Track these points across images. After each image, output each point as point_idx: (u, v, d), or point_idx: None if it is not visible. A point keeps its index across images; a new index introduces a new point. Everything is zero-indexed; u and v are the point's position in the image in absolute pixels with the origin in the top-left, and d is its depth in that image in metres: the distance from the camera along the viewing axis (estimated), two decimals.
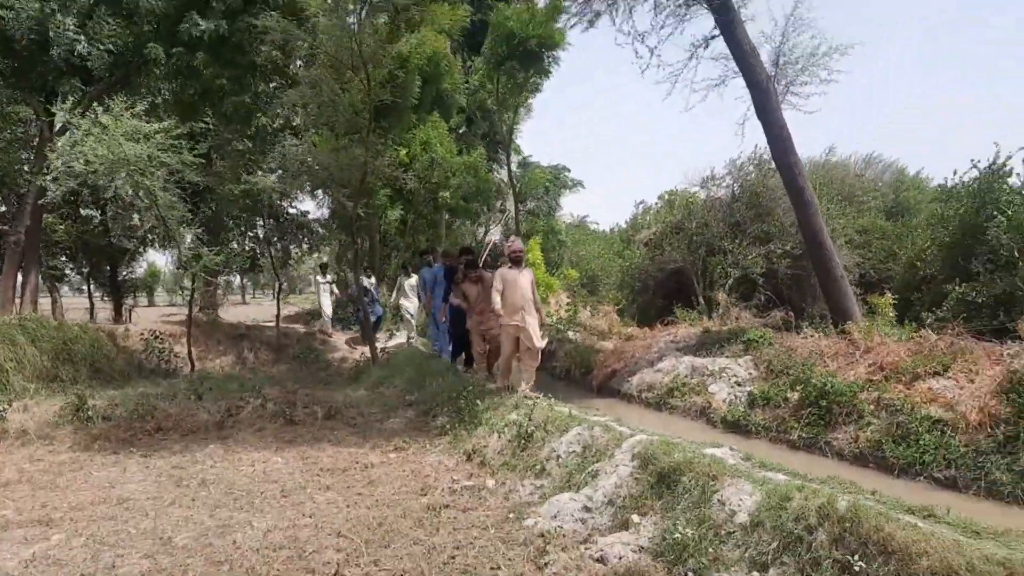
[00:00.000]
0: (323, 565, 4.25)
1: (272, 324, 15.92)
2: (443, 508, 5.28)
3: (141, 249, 21.08)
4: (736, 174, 15.05)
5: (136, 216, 15.94)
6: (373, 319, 15.44)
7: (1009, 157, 10.66)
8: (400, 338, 14.67)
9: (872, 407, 5.73)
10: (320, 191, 18.64)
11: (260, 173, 14.78)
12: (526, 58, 14.95)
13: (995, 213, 9.87)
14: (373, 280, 16.28)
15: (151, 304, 41.38)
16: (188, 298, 13.10)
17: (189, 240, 11.96)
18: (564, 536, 4.56)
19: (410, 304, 14.03)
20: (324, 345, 15.01)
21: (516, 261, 8.03)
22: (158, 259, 41.57)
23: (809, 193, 8.28)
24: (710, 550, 3.87)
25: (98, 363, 11.40)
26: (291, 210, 18.15)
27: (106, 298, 20.96)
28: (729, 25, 7.94)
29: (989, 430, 4.87)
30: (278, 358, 13.90)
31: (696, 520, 4.11)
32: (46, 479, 6.33)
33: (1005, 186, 10.58)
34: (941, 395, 5.47)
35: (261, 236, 18.90)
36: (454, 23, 18.03)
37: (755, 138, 13.79)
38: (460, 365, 10.35)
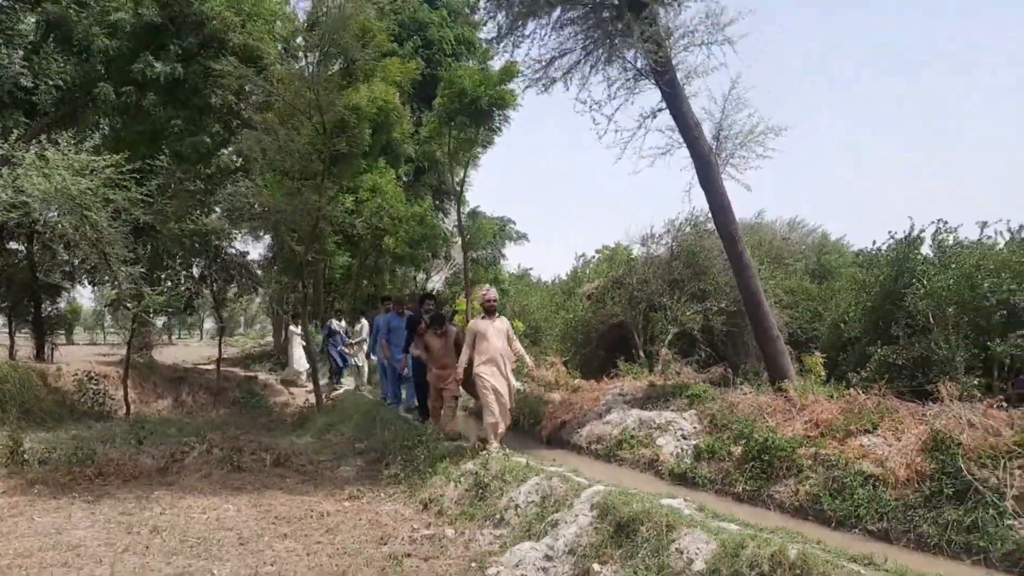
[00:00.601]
0: None
1: (210, 367, 15.57)
2: (405, 557, 5.37)
3: (68, 285, 20.35)
4: (674, 233, 15.75)
5: (64, 251, 15.50)
6: (341, 363, 15.27)
7: (922, 230, 11.62)
8: (347, 385, 14.55)
9: (810, 462, 6.13)
10: (264, 233, 18.56)
11: (216, 215, 14.73)
12: (477, 115, 15.38)
13: (911, 281, 10.69)
14: (343, 324, 15.79)
15: (69, 342, 39.57)
16: (127, 338, 12.74)
17: (124, 277, 11.67)
18: None
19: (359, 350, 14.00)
20: (265, 390, 14.77)
21: (490, 311, 7.82)
22: (79, 296, 39.92)
23: (747, 258, 8.85)
24: None
25: (28, 403, 11.00)
26: (230, 250, 17.96)
27: (25, 334, 20.01)
28: (675, 100, 8.54)
29: (916, 485, 5.31)
30: (218, 402, 13.61)
31: (656, 568, 4.35)
32: None
33: (919, 256, 11.50)
34: (872, 451, 5.91)
35: (197, 276, 18.58)
36: (405, 76, 18.55)
37: (700, 204, 14.57)
38: (406, 412, 10.36)
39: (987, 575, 4.08)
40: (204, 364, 17.28)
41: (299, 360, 15.78)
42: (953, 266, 10.20)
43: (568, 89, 8.97)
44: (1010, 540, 4.52)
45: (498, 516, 5.99)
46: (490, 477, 6.53)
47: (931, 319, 9.71)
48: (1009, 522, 4.65)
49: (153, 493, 7.24)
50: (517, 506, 5.94)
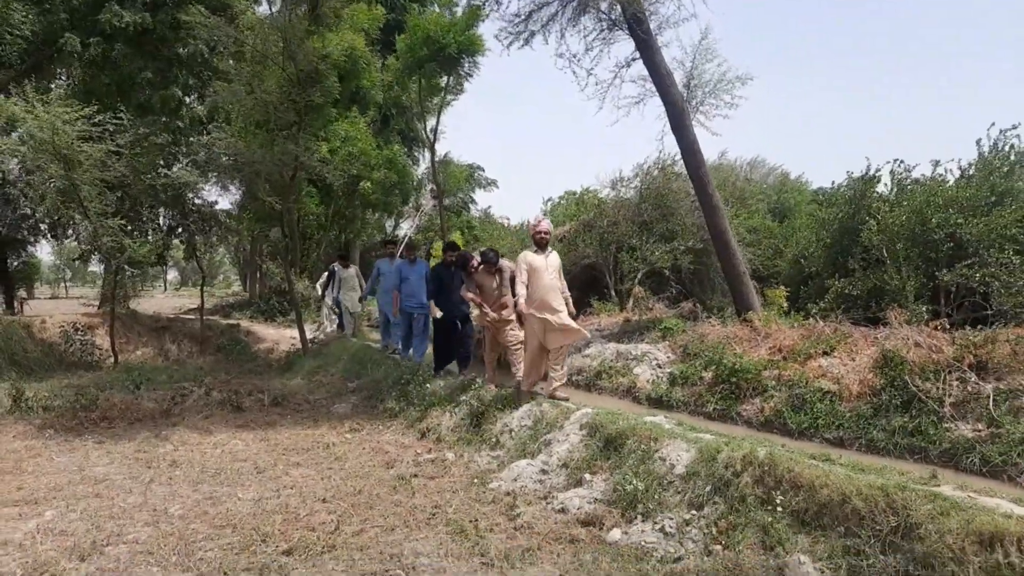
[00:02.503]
0: (320, 524, 4.77)
1: (191, 316, 15.77)
2: (412, 477, 5.88)
3: (32, 239, 20.12)
4: (643, 177, 16.25)
5: (28, 206, 15.34)
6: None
7: (878, 169, 12.27)
8: (329, 331, 14.81)
9: (774, 382, 6.79)
10: (236, 184, 18.50)
11: (179, 166, 14.64)
12: (446, 62, 15.36)
13: (867, 218, 11.36)
14: (351, 270, 13.59)
15: (30, 296, 38.95)
16: (109, 289, 12.86)
17: (104, 230, 11.66)
18: (528, 493, 5.29)
19: (348, 299, 13.19)
20: (249, 336, 15.05)
21: (541, 244, 6.94)
22: (38, 251, 39.11)
23: (717, 199, 9.40)
24: (655, 496, 4.69)
25: (16, 355, 11.17)
26: (197, 200, 17.88)
27: None
28: (648, 49, 8.90)
29: (868, 398, 6.00)
30: (202, 350, 13.87)
31: (642, 474, 4.92)
32: (8, 465, 6.44)
33: (875, 194, 12.18)
34: (829, 371, 6.59)
35: (166, 228, 18.53)
36: (372, 23, 18.39)
37: (668, 149, 14.98)
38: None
39: (926, 469, 4.73)
40: (183, 314, 17.45)
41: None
42: (905, 203, 10.85)
43: (547, 42, 9.27)
44: (946, 440, 5.22)
45: (494, 440, 6.53)
46: (484, 406, 7.05)
47: (884, 252, 10.41)
48: (946, 425, 5.35)
49: (161, 432, 7.64)
50: (512, 430, 6.49)
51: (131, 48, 12.84)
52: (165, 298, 38.41)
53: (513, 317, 7.39)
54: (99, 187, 11.25)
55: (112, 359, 12.10)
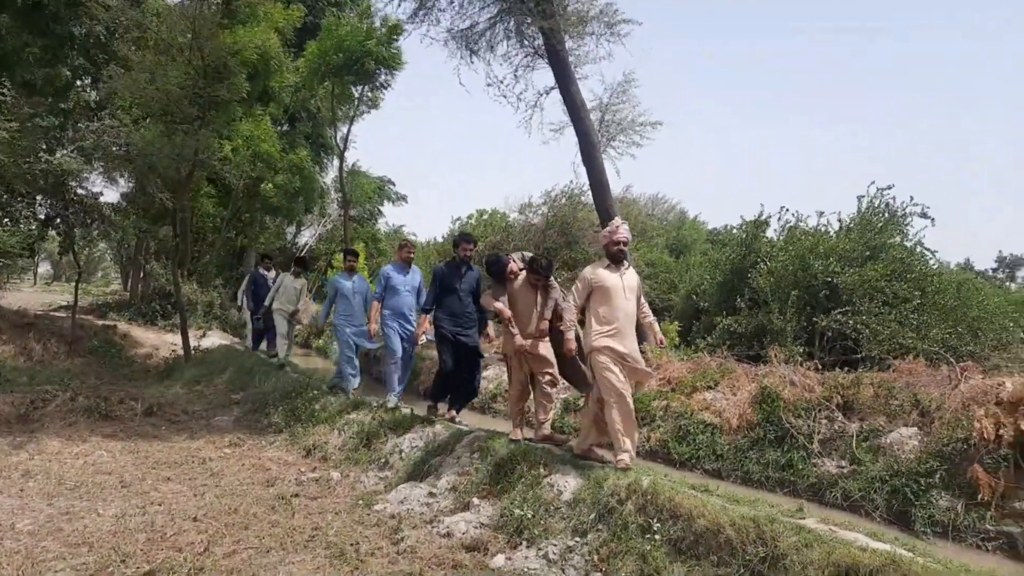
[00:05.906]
0: (188, 544, 4.47)
1: (61, 314, 14.63)
2: (293, 497, 5.63)
3: None
4: (551, 205, 16.59)
5: None
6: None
7: (770, 216, 12.99)
8: (215, 339, 14.07)
9: (661, 413, 7.01)
10: (124, 176, 17.44)
11: (64, 152, 13.64)
12: (363, 74, 15.22)
13: (756, 260, 11.98)
14: (301, 280, 10.79)
15: None
16: None
17: None
18: (414, 517, 5.18)
19: (291, 313, 10.43)
20: (125, 340, 14.10)
21: (617, 259, 5.24)
22: None
23: None
24: (542, 522, 4.69)
25: None
26: (80, 190, 16.74)
27: None
28: (564, 80, 9.16)
29: (746, 432, 6.29)
30: (72, 351, 12.84)
31: (531, 500, 4.92)
32: None
33: (764, 238, 12.87)
34: (712, 404, 6.86)
35: (43, 217, 17.24)
36: (289, 22, 17.96)
37: (575, 178, 15.41)
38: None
39: (794, 502, 4.96)
40: (53, 311, 16.16)
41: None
42: (790, 249, 11.51)
43: (472, 62, 9.37)
44: (814, 475, 5.53)
45: (383, 461, 6.38)
46: (375, 426, 6.87)
47: (770, 294, 10.99)
48: (814, 461, 5.67)
49: (16, 439, 7.01)
50: (401, 451, 6.36)
51: (18, 21, 11.92)
52: (34, 292, 35.57)
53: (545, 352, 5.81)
54: None
55: None
